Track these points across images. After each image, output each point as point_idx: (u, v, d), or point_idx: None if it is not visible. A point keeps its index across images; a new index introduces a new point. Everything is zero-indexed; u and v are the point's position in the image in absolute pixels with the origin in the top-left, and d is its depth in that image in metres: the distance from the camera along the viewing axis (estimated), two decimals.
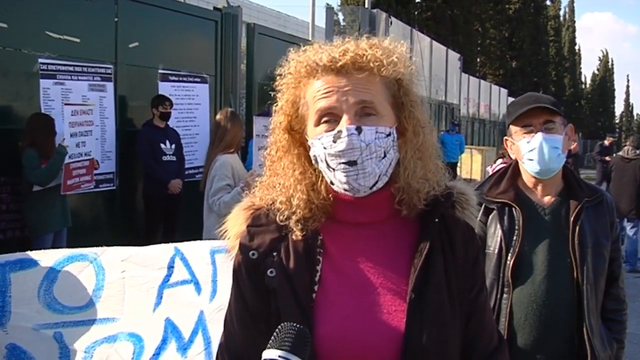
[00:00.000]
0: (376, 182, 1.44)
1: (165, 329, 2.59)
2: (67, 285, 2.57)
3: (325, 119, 1.44)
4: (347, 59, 1.42)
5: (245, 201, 1.60)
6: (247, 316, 1.49)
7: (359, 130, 1.40)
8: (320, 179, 1.50)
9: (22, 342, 2.47)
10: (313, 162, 1.49)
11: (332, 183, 1.47)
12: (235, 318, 1.52)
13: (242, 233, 1.53)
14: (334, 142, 1.41)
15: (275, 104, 1.55)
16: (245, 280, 1.50)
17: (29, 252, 2.63)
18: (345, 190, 1.45)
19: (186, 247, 2.73)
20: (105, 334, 2.54)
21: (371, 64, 1.43)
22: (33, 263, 2.57)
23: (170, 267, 2.67)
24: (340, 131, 1.40)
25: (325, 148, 1.42)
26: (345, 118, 1.41)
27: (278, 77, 1.54)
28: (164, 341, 2.57)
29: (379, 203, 1.49)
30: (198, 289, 2.65)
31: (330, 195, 1.50)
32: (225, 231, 1.58)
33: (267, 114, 5.33)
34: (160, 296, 2.62)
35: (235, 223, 1.56)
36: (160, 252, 2.70)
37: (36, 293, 2.53)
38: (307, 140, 1.49)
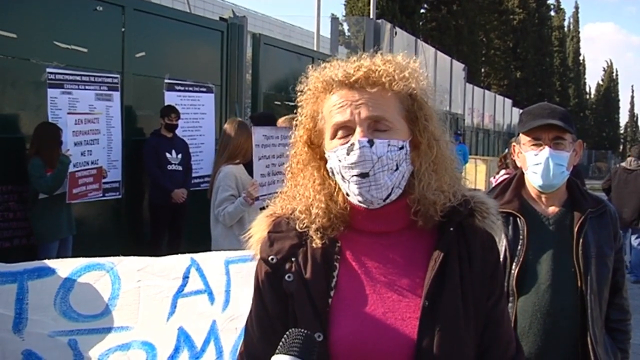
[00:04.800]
0: (389, 195, 1.48)
1: (178, 338, 2.61)
2: (83, 294, 2.60)
3: (340, 132, 1.49)
4: (360, 74, 1.48)
5: (268, 209, 1.66)
6: (266, 320, 1.54)
7: (371, 143, 1.45)
8: (338, 189, 1.55)
9: (38, 348, 2.51)
10: (330, 174, 1.54)
11: (347, 195, 1.52)
12: (255, 322, 1.57)
13: (263, 238, 1.59)
14: (347, 154, 1.46)
15: (295, 119, 1.62)
16: (265, 285, 1.55)
17: (46, 261, 2.66)
18: (359, 202, 1.50)
19: (202, 257, 2.77)
20: (119, 342, 2.57)
21: (383, 79, 1.48)
22: (50, 271, 2.61)
23: (186, 277, 2.70)
24: (353, 144, 1.45)
25: (339, 161, 1.48)
26: (358, 130, 1.46)
27: (299, 93, 1.60)
28: (177, 350, 2.60)
29: (393, 214, 1.52)
30: (212, 299, 2.67)
31: (347, 205, 1.54)
32: (250, 237, 1.64)
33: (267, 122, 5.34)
34: (174, 305, 2.65)
35: (258, 230, 1.62)
36: (176, 263, 2.74)
37: (53, 301, 2.56)
38: (325, 153, 1.54)
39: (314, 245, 1.52)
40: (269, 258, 1.54)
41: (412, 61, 1.56)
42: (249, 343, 1.59)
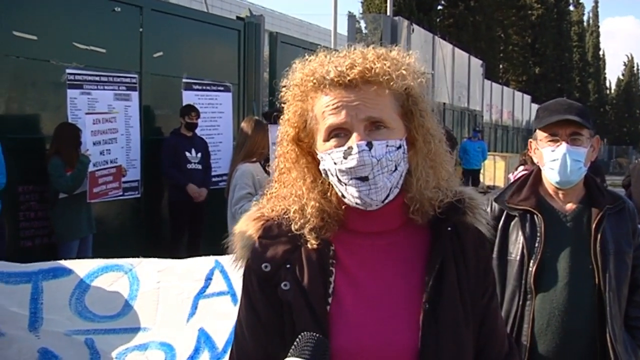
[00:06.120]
0: (387, 196, 1.42)
1: (198, 339, 2.62)
2: (99, 295, 2.62)
3: (334, 134, 1.41)
4: (356, 73, 1.39)
5: (254, 211, 1.56)
6: (259, 328, 1.47)
7: (369, 145, 1.37)
8: (331, 188, 1.48)
9: (54, 346, 2.53)
10: (323, 175, 1.46)
11: (343, 196, 1.44)
12: (247, 330, 1.50)
13: (253, 244, 1.50)
14: (345, 158, 1.38)
15: (281, 116, 1.53)
16: (256, 292, 1.48)
17: (62, 261, 2.69)
18: (357, 204, 1.42)
19: (227, 259, 2.76)
20: (136, 342, 2.58)
21: (380, 78, 1.39)
22: (66, 272, 2.63)
23: (208, 279, 2.70)
24: (350, 147, 1.37)
25: (335, 163, 1.40)
26: (355, 134, 1.38)
27: (283, 89, 1.51)
28: (197, 351, 2.60)
29: (390, 213, 1.47)
30: (235, 300, 2.66)
31: (341, 205, 1.47)
32: (234, 242, 1.55)
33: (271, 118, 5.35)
34: (195, 306, 2.65)
35: (245, 234, 1.52)
36: (199, 265, 2.74)
37: (68, 301, 2.59)
38: (316, 153, 1.47)
39: (309, 246, 1.45)
40: (262, 266, 1.45)
41: (408, 56, 1.47)
42: (240, 350, 1.52)
